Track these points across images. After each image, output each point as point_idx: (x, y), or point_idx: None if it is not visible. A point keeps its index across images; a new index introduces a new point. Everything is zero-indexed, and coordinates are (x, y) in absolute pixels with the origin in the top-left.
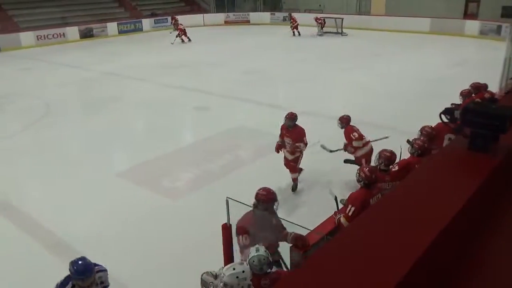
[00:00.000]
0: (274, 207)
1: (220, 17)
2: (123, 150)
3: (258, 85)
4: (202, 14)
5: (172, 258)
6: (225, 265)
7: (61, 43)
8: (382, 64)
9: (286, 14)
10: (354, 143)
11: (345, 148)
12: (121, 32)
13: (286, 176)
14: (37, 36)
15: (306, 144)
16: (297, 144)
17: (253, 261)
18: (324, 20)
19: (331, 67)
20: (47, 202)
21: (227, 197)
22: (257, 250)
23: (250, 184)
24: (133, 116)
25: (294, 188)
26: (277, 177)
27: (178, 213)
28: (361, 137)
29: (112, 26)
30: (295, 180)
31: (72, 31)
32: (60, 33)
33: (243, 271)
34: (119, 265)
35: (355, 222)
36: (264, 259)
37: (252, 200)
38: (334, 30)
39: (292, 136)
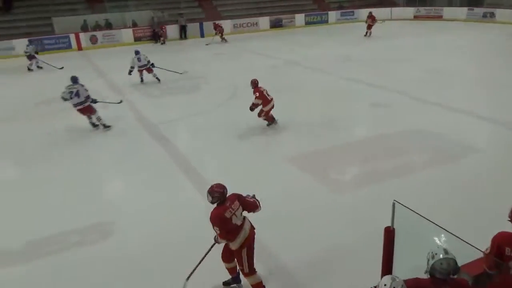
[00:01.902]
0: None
1: (410, 11)
2: (295, 137)
3: (443, 86)
4: (390, 8)
5: (325, 253)
6: (382, 271)
7: (253, 32)
8: None
9: (488, 9)
10: None
11: None
12: (307, 23)
13: (468, 194)
14: (233, 25)
15: None
16: None
17: (441, 264)
18: None
19: None
20: (229, 176)
21: (394, 200)
22: (446, 252)
23: (420, 193)
24: (309, 105)
25: None
26: (455, 193)
27: (339, 207)
28: None
29: (299, 18)
30: None
31: (264, 21)
32: (253, 22)
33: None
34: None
35: None
36: (454, 263)
37: (420, 210)
38: None
39: None
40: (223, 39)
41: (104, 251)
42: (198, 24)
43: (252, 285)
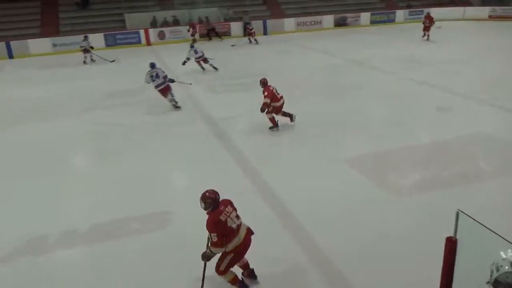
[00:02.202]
0: None
1: (484, 11)
2: (354, 137)
3: None
4: (463, 7)
5: (381, 261)
6: (442, 283)
7: (316, 30)
8: None
9: None
10: None
11: None
12: (373, 22)
13: None
14: (297, 23)
15: None
16: None
17: (507, 278)
18: None
19: None
20: (287, 176)
21: (458, 210)
22: None
23: (486, 203)
24: (371, 105)
25: None
26: None
27: (398, 212)
28: None
29: (365, 16)
30: None
31: (328, 19)
32: (317, 21)
33: None
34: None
35: None
36: None
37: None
38: None
39: None
40: (252, 40)
41: (160, 240)
42: (261, 21)
43: (228, 281)
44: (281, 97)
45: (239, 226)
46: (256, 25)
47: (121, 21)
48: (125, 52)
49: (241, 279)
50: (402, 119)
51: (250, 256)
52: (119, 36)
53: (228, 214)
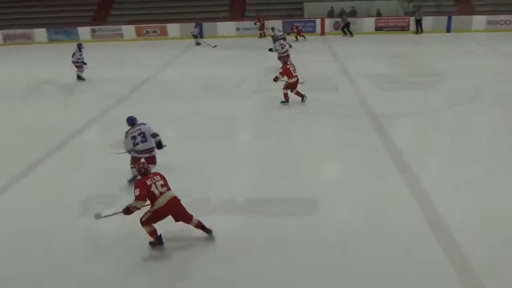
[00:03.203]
0: None
1: None
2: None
3: None
4: None
5: None
6: None
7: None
8: None
9: None
10: None
11: None
12: None
13: None
14: (488, 21)
15: None
16: None
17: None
18: None
19: None
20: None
21: None
22: None
23: None
24: None
25: None
26: None
27: None
28: None
29: None
30: None
31: None
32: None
33: None
34: None
35: None
36: None
37: None
38: None
39: None
40: (299, 36)
41: (305, 225)
42: (446, 18)
43: (147, 232)
44: (296, 75)
45: (162, 193)
46: (438, 21)
47: (300, 9)
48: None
49: (159, 235)
50: None
51: None
52: (297, 24)
53: (154, 181)
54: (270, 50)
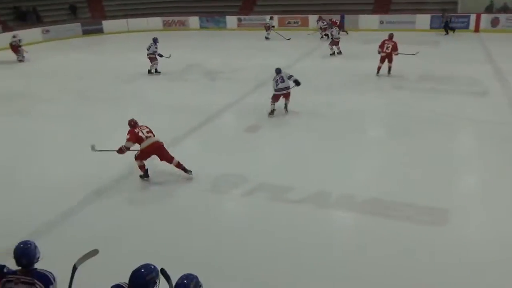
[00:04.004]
0: None
1: None
2: None
3: None
4: None
5: None
6: None
7: None
8: None
9: None
10: None
11: None
12: None
13: None
14: None
15: None
16: None
17: None
18: None
19: None
20: None
21: None
22: None
23: None
24: None
25: None
26: None
27: None
28: None
29: None
30: None
31: None
32: None
33: None
34: None
35: None
36: None
37: None
38: None
39: None
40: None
41: (435, 235)
42: None
43: (138, 166)
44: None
45: (147, 137)
46: None
47: (453, 3)
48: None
49: (146, 169)
50: None
51: None
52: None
53: (141, 129)
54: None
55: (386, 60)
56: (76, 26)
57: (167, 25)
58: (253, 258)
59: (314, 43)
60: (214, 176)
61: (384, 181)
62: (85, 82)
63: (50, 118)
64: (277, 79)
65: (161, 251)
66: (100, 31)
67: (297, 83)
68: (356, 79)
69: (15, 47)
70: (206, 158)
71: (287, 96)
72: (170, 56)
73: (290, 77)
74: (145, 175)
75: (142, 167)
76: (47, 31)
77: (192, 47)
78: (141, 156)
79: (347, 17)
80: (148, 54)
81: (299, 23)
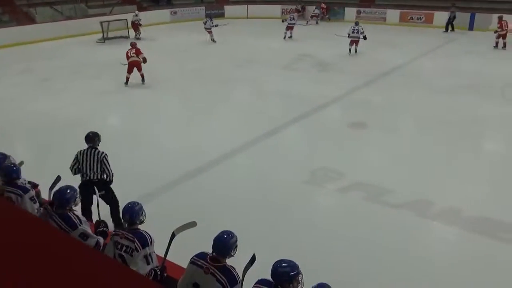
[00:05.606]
0: None
1: None
2: None
3: None
4: None
5: None
6: None
7: None
8: None
9: None
10: None
11: None
12: None
13: None
14: None
15: None
16: None
17: None
18: None
19: None
20: None
21: None
22: None
23: None
24: None
25: None
26: None
27: None
28: None
29: None
30: None
31: None
32: None
33: None
34: None
35: None
36: None
37: None
38: None
39: None
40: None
41: None
42: None
43: (126, 77)
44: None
45: (131, 56)
46: None
47: None
48: None
49: (127, 77)
50: None
51: None
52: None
53: (130, 51)
54: None
55: None
56: (201, 9)
57: (285, 13)
58: (337, 256)
59: (440, 40)
60: (311, 168)
61: (498, 199)
62: (200, 64)
63: (169, 91)
64: (354, 29)
65: (251, 231)
66: (221, 15)
67: (364, 38)
68: (480, 82)
69: (136, 25)
70: (305, 149)
71: (356, 42)
72: (227, 24)
73: (362, 32)
74: (126, 81)
75: (127, 78)
76: (175, 12)
77: (305, 37)
78: (128, 69)
79: (478, 16)
80: (205, 28)
81: (423, 19)
